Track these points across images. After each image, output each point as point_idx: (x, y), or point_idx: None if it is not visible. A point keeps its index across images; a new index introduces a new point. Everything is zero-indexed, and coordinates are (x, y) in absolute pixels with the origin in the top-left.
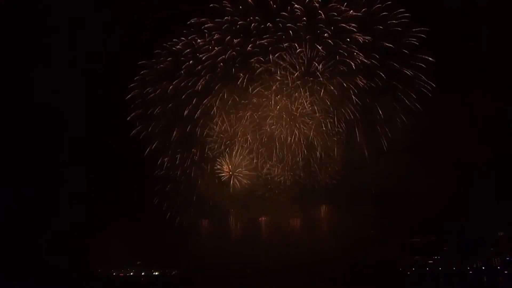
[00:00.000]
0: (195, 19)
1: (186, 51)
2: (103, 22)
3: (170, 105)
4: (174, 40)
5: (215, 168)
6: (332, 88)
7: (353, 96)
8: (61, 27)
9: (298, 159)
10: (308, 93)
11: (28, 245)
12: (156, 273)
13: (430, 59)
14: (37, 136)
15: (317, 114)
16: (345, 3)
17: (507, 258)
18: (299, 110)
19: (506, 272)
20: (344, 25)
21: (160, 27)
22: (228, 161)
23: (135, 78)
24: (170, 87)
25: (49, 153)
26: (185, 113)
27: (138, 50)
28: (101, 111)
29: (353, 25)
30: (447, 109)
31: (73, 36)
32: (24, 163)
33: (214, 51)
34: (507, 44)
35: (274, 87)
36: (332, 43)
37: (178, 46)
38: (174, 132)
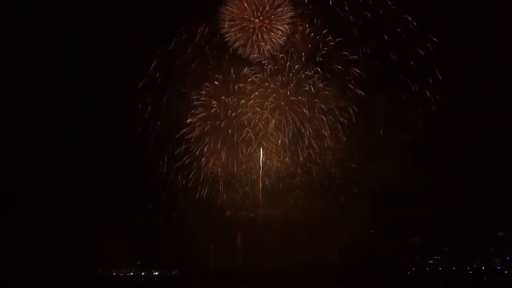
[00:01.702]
0: (188, 24)
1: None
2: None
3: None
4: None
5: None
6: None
7: (351, 103)
8: (57, 28)
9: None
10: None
11: (28, 245)
12: (156, 273)
13: (439, 75)
14: (37, 136)
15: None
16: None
17: (507, 258)
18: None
19: (506, 272)
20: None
21: (155, 29)
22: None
23: (124, 90)
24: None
25: (49, 153)
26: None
27: (136, 51)
28: (101, 110)
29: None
30: (448, 109)
31: (71, 36)
32: (24, 163)
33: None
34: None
35: (269, 90)
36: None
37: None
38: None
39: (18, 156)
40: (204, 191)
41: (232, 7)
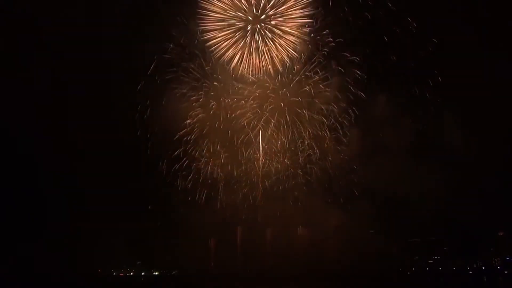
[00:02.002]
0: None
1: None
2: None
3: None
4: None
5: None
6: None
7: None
8: (56, 29)
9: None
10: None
11: (28, 245)
12: (156, 273)
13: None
14: (39, 134)
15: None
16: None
17: (507, 258)
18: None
19: (506, 272)
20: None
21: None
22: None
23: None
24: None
25: (49, 154)
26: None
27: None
28: (101, 113)
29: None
30: (447, 110)
31: (70, 38)
32: (25, 162)
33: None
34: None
35: (268, 91)
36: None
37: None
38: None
39: (19, 156)
40: (204, 192)
41: (226, 5)
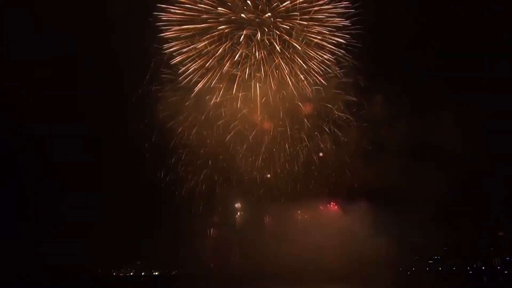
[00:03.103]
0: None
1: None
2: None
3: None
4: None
5: None
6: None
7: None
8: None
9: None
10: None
11: (29, 245)
12: (156, 273)
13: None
14: (44, 134)
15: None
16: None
17: (507, 258)
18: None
19: (506, 272)
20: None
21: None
22: None
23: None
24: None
25: (54, 153)
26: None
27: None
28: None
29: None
30: (447, 109)
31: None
32: (28, 161)
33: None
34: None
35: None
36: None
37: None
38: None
39: (24, 155)
40: (202, 196)
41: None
